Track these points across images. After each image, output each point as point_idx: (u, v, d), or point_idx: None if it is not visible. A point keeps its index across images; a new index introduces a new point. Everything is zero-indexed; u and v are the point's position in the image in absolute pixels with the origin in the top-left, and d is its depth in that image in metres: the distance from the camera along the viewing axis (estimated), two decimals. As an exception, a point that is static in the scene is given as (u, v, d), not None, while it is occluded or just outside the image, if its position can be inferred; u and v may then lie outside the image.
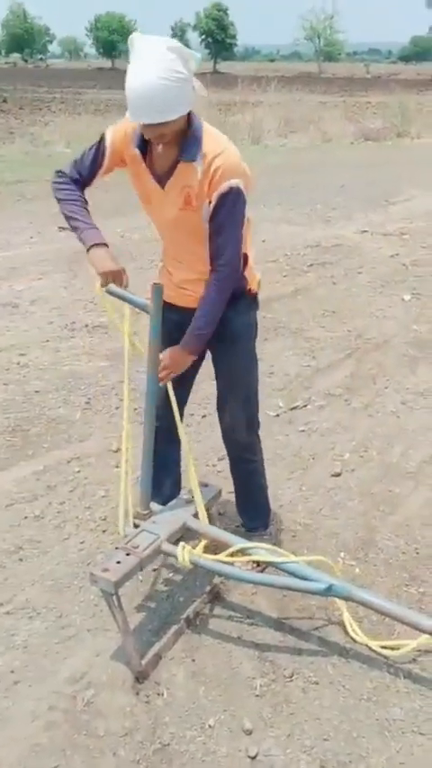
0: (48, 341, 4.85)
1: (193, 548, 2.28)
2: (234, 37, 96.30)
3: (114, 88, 34.73)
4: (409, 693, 2.14)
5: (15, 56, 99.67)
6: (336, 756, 1.96)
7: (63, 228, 7.72)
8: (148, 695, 2.14)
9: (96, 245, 2.19)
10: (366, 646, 2.29)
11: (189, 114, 2.08)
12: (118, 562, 2.13)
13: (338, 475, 3.32)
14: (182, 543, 2.27)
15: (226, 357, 2.46)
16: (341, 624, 2.37)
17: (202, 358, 2.51)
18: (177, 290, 2.35)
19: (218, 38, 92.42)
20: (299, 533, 2.90)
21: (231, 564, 2.29)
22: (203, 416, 3.73)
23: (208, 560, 2.27)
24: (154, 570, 2.63)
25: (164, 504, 2.62)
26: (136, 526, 2.37)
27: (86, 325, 5.11)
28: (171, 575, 2.63)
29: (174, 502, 2.53)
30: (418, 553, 2.79)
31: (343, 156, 14.25)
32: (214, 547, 2.36)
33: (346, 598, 2.19)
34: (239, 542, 2.32)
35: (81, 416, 3.84)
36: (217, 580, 2.55)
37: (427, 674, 2.21)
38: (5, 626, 2.40)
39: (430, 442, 3.62)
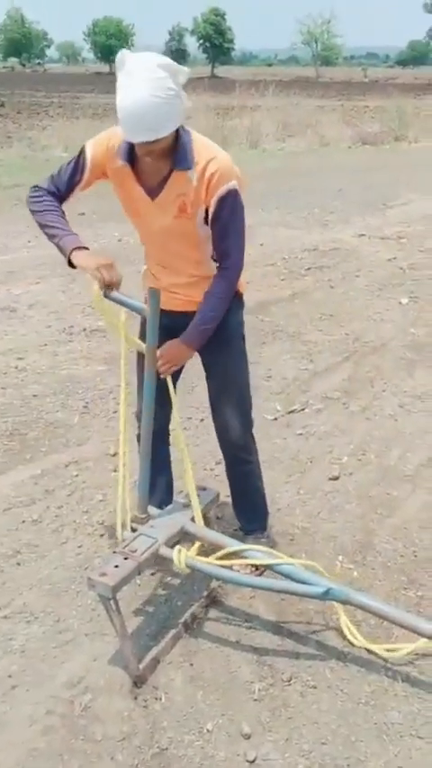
0: (46, 345, 4.85)
1: (187, 550, 2.28)
2: (232, 41, 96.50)
3: (112, 93, 34.68)
4: (408, 697, 2.14)
5: (13, 60, 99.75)
6: (334, 761, 1.96)
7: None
8: (146, 700, 2.14)
9: (77, 248, 2.16)
10: (365, 649, 2.29)
11: None
12: (116, 566, 2.13)
13: (336, 478, 3.33)
14: (177, 547, 2.26)
15: (220, 357, 2.48)
16: (339, 628, 2.37)
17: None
18: (166, 293, 2.34)
19: (216, 42, 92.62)
20: (297, 537, 2.90)
21: (230, 567, 2.29)
22: (201, 420, 3.73)
23: (205, 564, 2.27)
24: (152, 574, 2.63)
25: (158, 505, 2.63)
26: (134, 530, 2.37)
27: (84, 329, 5.11)
28: (169, 579, 2.63)
29: (172, 506, 2.53)
30: (416, 556, 2.79)
31: (341, 160, 14.29)
32: (210, 550, 2.36)
33: (344, 601, 2.19)
34: (236, 545, 2.32)
35: (79, 420, 3.84)
36: (215, 584, 2.55)
37: (426, 678, 2.21)
38: (3, 630, 2.40)
39: (428, 445, 3.63)
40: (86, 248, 2.17)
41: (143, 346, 2.29)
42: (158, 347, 2.27)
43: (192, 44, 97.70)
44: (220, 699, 2.15)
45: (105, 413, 3.92)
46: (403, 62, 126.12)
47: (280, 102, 20.95)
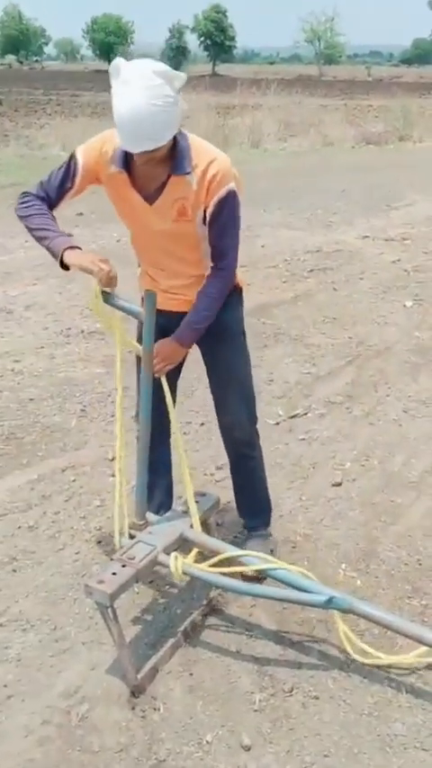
0: (43, 347, 4.86)
1: (185, 557, 2.28)
2: (233, 39, 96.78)
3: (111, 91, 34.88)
4: (412, 708, 2.14)
5: (10, 57, 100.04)
6: (336, 773, 1.95)
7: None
8: (144, 710, 2.13)
9: (70, 247, 2.13)
10: (375, 657, 2.29)
11: None
12: (113, 573, 2.13)
13: (339, 484, 3.33)
14: (174, 554, 2.27)
15: (221, 353, 2.50)
16: (339, 638, 2.37)
17: (183, 361, 2.53)
18: (164, 294, 2.36)
19: (217, 40, 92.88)
20: (299, 544, 2.90)
21: (229, 575, 2.29)
22: (201, 424, 3.73)
23: (204, 572, 2.27)
24: (150, 582, 2.63)
25: (157, 509, 2.64)
26: (132, 537, 2.38)
27: (82, 331, 5.12)
28: (168, 587, 2.63)
29: (170, 512, 2.53)
30: (420, 564, 2.79)
31: (344, 160, 14.31)
32: (211, 557, 2.36)
33: (347, 611, 2.19)
34: (235, 551, 2.32)
35: (76, 424, 3.85)
36: (215, 592, 2.54)
37: (430, 689, 2.20)
38: (-2, 639, 2.40)
39: (433, 451, 3.63)
40: (79, 248, 2.15)
41: (140, 348, 2.29)
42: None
43: (192, 42, 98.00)
44: (219, 709, 2.14)
45: (103, 416, 3.92)
46: (408, 61, 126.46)
47: (282, 100, 20.99)
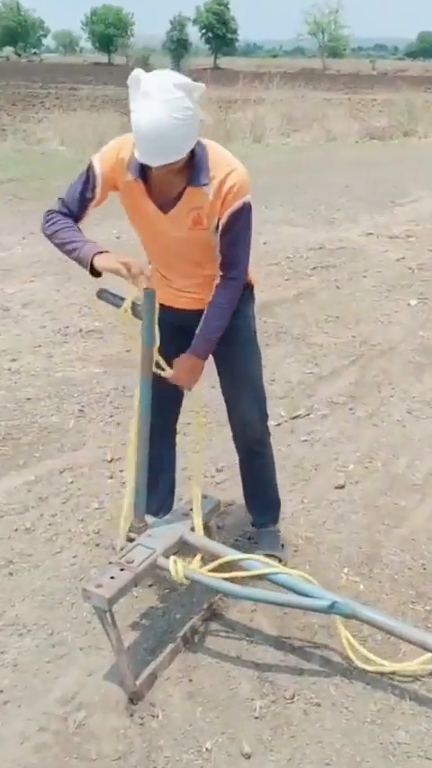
0: (40, 346, 4.86)
1: (188, 562, 2.28)
2: (235, 32, 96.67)
3: (111, 84, 34.87)
4: (415, 716, 2.14)
5: (8, 50, 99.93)
6: (338, 782, 1.95)
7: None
8: (142, 717, 2.13)
9: (99, 253, 2.12)
10: (378, 665, 2.28)
11: None
12: (112, 577, 2.13)
13: (342, 487, 3.33)
14: (173, 557, 2.27)
15: (233, 351, 2.53)
16: (341, 644, 2.36)
17: (187, 343, 2.53)
18: (177, 293, 2.40)
19: (218, 33, 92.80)
20: (300, 547, 2.89)
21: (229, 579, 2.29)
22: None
23: (204, 576, 2.27)
24: (150, 586, 2.63)
25: (158, 509, 2.64)
26: (131, 540, 2.38)
27: (80, 330, 5.12)
28: (167, 591, 2.63)
29: (170, 515, 2.53)
30: (425, 569, 2.78)
31: (347, 155, 14.30)
32: (212, 561, 2.35)
33: (350, 616, 2.19)
34: (236, 555, 2.32)
35: (74, 425, 3.84)
36: (215, 597, 2.54)
37: (434, 696, 2.20)
38: (-6, 643, 2.40)
39: (437, 452, 3.62)
40: (107, 251, 2.14)
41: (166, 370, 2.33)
42: (170, 343, 2.29)
43: (194, 34, 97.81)
44: (219, 716, 2.14)
45: (102, 417, 3.92)
46: (413, 54, 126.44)
47: (285, 94, 20.96)
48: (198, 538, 2.40)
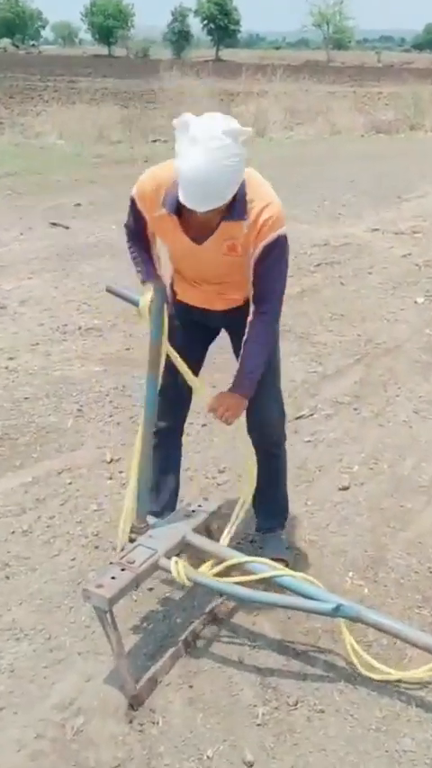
0: (38, 344, 4.86)
1: (197, 567, 2.29)
2: (238, 23, 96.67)
3: (110, 76, 34.90)
4: (421, 723, 2.14)
5: (6, 41, 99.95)
6: (343, 790, 1.95)
7: (55, 224, 7.75)
8: (142, 723, 2.13)
9: (147, 281, 2.36)
10: (383, 673, 2.28)
11: None
12: (113, 578, 2.14)
13: (346, 489, 3.32)
14: (174, 558, 2.27)
15: None
16: (345, 650, 2.36)
17: (210, 341, 2.67)
18: (207, 296, 2.47)
19: (220, 24, 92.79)
20: (304, 551, 2.89)
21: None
22: (203, 425, 3.73)
23: (206, 578, 2.27)
24: (150, 589, 2.63)
25: (161, 509, 2.65)
26: (132, 540, 2.38)
27: (79, 328, 5.12)
28: (168, 593, 2.63)
29: (173, 514, 2.54)
30: (431, 573, 2.78)
31: (353, 149, 14.31)
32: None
33: (355, 619, 2.19)
34: (238, 558, 2.32)
35: (73, 425, 3.84)
36: (217, 600, 2.54)
37: (441, 703, 2.20)
38: (-10, 648, 2.40)
39: (444, 453, 3.62)
40: (154, 282, 2.33)
41: (195, 383, 2.46)
42: (193, 336, 2.49)
43: (195, 25, 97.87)
44: (221, 723, 2.14)
45: (101, 417, 3.92)
46: (419, 46, 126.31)
47: (288, 87, 20.96)
48: (200, 539, 2.41)
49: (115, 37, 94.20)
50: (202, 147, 1.95)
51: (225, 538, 2.50)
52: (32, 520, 3.06)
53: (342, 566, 2.81)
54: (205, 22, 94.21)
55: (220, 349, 2.72)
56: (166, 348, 2.36)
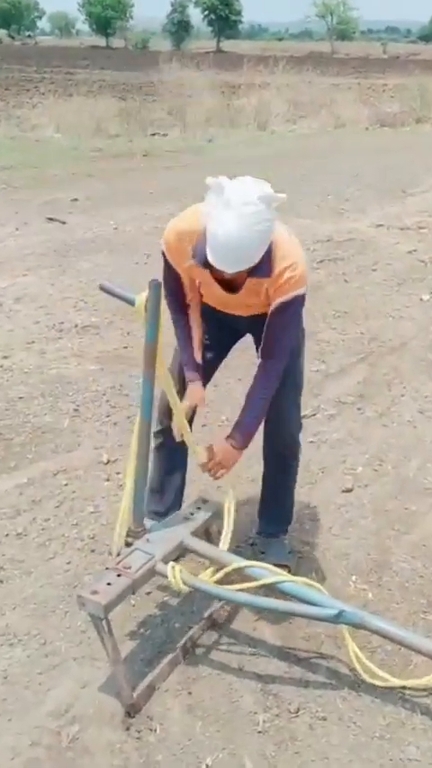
0: (33, 342, 4.86)
1: (196, 574, 2.29)
2: (239, 13, 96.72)
3: (108, 68, 34.91)
4: (426, 731, 2.13)
5: (1, 32, 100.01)
6: (345, 800, 1.95)
7: (52, 219, 7.75)
8: (139, 731, 2.13)
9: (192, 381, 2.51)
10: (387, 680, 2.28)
11: None
12: (108, 584, 2.13)
13: (350, 490, 3.32)
14: (171, 563, 2.26)
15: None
16: (348, 656, 2.36)
17: (235, 341, 2.73)
18: (234, 309, 2.52)
19: (221, 14, 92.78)
20: (306, 554, 2.89)
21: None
22: (203, 426, 3.73)
23: (204, 583, 2.26)
24: (147, 593, 2.63)
25: (166, 509, 2.65)
26: (129, 545, 2.37)
27: (76, 326, 5.12)
28: (166, 598, 2.63)
29: (170, 518, 2.53)
30: (436, 577, 2.78)
31: (357, 142, 14.30)
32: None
33: (359, 626, 2.19)
34: (238, 562, 2.32)
35: (69, 425, 3.84)
36: (216, 605, 2.54)
37: (446, 710, 2.20)
38: (-16, 654, 2.40)
39: (451, 455, 3.62)
40: (196, 383, 2.52)
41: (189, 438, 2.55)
42: (220, 334, 2.56)
43: (196, 16, 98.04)
44: (220, 731, 2.14)
45: (98, 416, 3.92)
46: (426, 37, 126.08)
47: (291, 79, 20.95)
48: (199, 543, 2.40)
49: (113, 28, 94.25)
50: (236, 212, 1.98)
51: (224, 542, 2.49)
52: (27, 522, 3.06)
53: (345, 569, 2.81)
54: (206, 12, 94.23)
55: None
56: (168, 382, 2.39)
